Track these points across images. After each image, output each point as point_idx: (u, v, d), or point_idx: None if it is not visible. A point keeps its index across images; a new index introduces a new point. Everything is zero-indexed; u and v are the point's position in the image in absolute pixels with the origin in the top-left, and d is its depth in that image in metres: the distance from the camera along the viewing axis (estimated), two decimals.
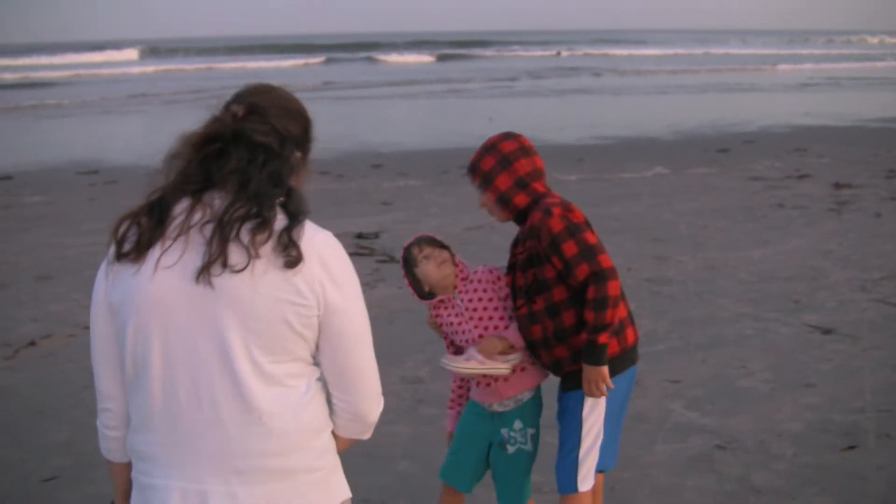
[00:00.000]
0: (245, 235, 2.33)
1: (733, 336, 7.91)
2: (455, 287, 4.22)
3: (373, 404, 2.59)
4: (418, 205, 13.54)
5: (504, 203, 4.05)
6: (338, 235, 9.38)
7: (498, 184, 4.03)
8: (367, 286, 9.44)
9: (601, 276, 3.85)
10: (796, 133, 22.77)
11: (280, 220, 2.40)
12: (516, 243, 4.19)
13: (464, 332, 4.21)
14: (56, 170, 18.15)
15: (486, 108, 30.57)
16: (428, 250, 4.20)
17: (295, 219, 2.42)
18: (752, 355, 7.42)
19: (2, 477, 5.75)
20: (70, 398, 6.80)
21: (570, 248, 3.86)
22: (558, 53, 79.63)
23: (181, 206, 2.41)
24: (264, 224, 2.36)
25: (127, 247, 2.40)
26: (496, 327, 4.15)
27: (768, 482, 5.36)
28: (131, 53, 79.02)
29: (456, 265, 4.22)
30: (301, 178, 2.60)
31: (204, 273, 2.33)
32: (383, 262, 10.40)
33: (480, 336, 4.15)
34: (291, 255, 2.36)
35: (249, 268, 2.33)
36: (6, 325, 8.66)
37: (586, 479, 4.14)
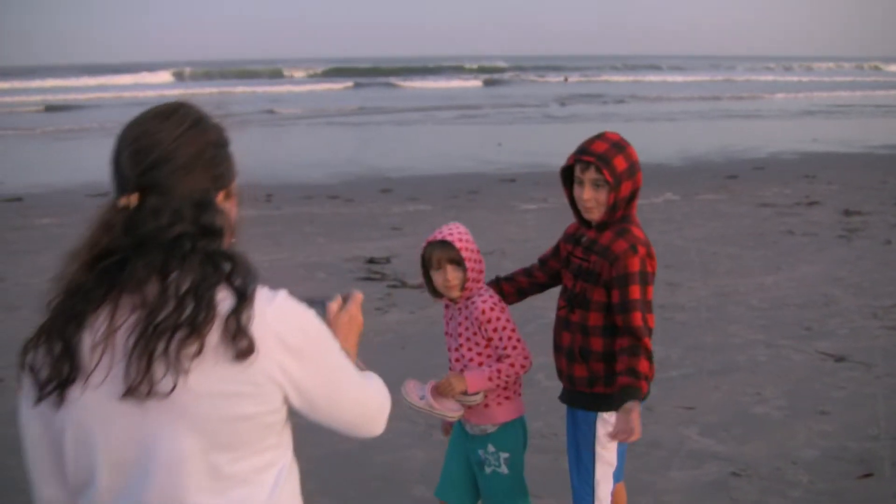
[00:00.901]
0: (173, 350, 1.96)
1: (746, 363, 7.90)
2: (457, 302, 4.22)
3: (375, 426, 2.41)
4: (428, 229, 13.13)
5: (614, 209, 3.93)
6: (348, 260, 9.40)
7: (622, 189, 3.91)
8: (378, 311, 9.46)
9: (644, 332, 3.89)
10: (805, 160, 22.79)
11: (225, 301, 2.02)
12: (576, 242, 4.14)
13: (448, 348, 4.30)
14: (66, 192, 18.17)
15: (495, 134, 30.61)
16: (445, 264, 4.15)
17: (243, 296, 2.03)
18: (765, 382, 7.41)
19: (16, 500, 5.74)
20: None
21: (635, 293, 3.87)
22: (566, 79, 79.77)
23: (100, 314, 2.04)
24: (195, 333, 1.97)
25: (43, 376, 2.05)
26: (471, 359, 4.19)
27: None
28: (165, 76, 78.01)
29: (465, 289, 4.18)
30: (233, 216, 2.23)
31: (130, 395, 1.99)
32: (395, 286, 10.41)
33: (457, 360, 4.22)
34: (242, 347, 2.00)
35: (183, 379, 1.98)
36: (18, 347, 8.65)
37: (603, 501, 4.16)
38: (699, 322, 9.10)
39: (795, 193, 17.33)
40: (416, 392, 4.19)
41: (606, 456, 4.12)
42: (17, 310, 9.96)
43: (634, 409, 3.84)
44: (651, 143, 26.35)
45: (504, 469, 4.22)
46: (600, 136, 3.97)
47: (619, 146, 3.93)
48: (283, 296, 2.13)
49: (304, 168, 21.23)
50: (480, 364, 4.15)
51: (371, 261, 11.73)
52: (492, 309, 4.15)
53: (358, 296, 2.62)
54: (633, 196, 3.97)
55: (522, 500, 4.29)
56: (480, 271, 4.19)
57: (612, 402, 3.95)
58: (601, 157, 3.87)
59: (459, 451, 4.40)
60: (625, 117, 38.57)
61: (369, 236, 13.51)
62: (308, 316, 2.16)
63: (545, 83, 75.99)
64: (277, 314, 2.08)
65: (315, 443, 6.32)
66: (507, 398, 4.21)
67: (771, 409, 6.87)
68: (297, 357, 2.09)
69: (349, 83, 70.04)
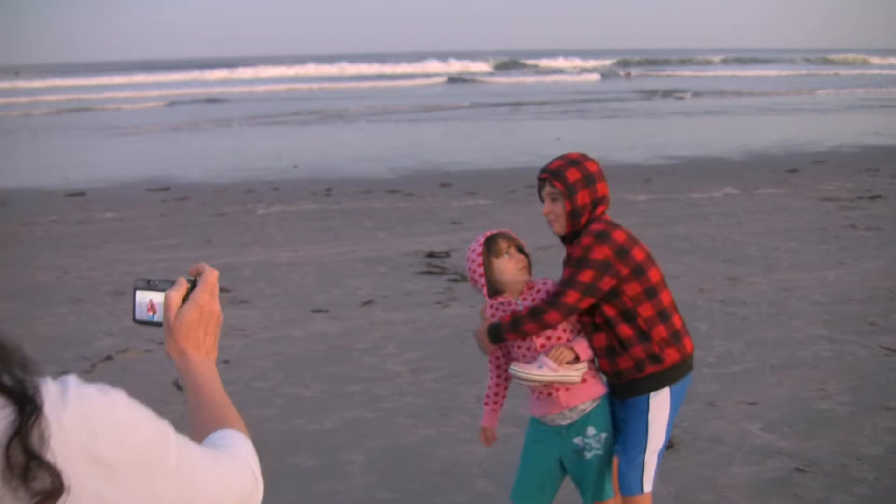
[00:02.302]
0: None
1: (809, 358, 7.81)
2: (521, 293, 4.26)
3: None
4: (487, 224, 13.40)
5: (574, 217, 4.14)
6: (408, 254, 9.42)
7: (578, 198, 4.12)
8: (438, 305, 9.48)
9: (553, 303, 4.08)
10: (866, 153, 22.49)
11: None
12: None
13: (523, 339, 4.24)
14: (127, 186, 18.41)
15: (554, 128, 30.53)
16: (513, 251, 4.23)
17: (26, 403, 1.24)
18: (828, 377, 7.32)
19: None
20: None
21: (565, 273, 4.11)
22: (627, 74, 79.43)
23: None
24: None
25: None
26: (559, 338, 4.18)
27: None
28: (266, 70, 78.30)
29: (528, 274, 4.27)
30: None
31: None
32: (455, 280, 10.42)
33: (542, 346, 4.18)
34: (42, 486, 1.23)
35: None
36: (83, 339, 8.78)
37: (650, 481, 4.23)
38: (761, 317, 9.01)
39: (858, 187, 17.10)
40: (531, 366, 4.17)
41: (656, 437, 4.18)
42: (80, 302, 10.10)
43: (483, 329, 4.30)
44: (708, 137, 26.22)
45: (601, 451, 4.22)
46: (560, 157, 4.27)
47: (574, 162, 4.21)
48: (74, 386, 1.33)
49: (362, 162, 21.32)
50: (569, 339, 4.18)
51: (431, 255, 11.75)
52: (556, 285, 4.20)
53: (210, 277, 1.88)
54: (594, 205, 4.18)
55: (610, 478, 4.30)
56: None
57: (660, 380, 4.14)
58: (553, 172, 4.18)
59: (542, 454, 4.35)
60: (685, 111, 38.39)
61: (429, 230, 13.55)
62: (116, 406, 1.37)
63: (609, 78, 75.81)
64: (77, 418, 1.30)
65: (375, 435, 6.36)
66: (596, 371, 4.26)
67: (835, 404, 6.79)
68: (115, 476, 1.33)
69: (442, 79, 70.32)
